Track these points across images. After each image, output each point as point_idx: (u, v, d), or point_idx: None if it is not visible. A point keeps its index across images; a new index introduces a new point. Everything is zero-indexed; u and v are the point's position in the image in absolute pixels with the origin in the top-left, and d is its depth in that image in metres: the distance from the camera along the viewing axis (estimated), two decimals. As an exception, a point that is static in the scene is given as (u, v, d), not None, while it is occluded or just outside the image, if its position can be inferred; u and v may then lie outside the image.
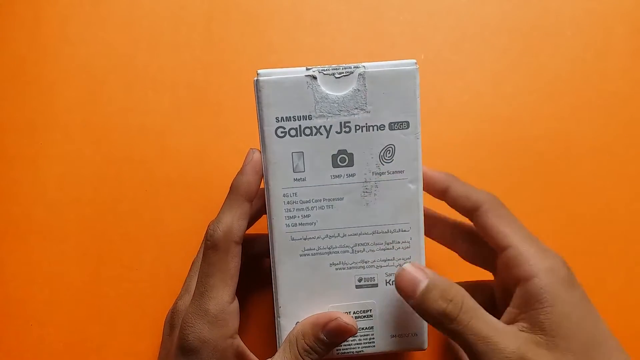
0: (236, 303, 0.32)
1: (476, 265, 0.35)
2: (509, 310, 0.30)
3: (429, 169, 0.33)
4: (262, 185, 0.32)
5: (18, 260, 0.41)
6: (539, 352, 0.27)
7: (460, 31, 0.44)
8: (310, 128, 0.30)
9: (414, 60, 0.30)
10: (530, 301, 0.28)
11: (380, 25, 0.44)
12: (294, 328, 0.32)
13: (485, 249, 0.33)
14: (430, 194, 0.34)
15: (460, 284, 0.30)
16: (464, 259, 0.36)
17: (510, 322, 0.29)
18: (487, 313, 0.29)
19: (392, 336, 0.33)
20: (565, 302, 0.28)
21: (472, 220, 0.33)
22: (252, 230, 0.36)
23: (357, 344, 0.33)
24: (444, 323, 0.28)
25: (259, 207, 0.34)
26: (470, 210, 0.32)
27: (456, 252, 0.36)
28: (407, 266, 0.29)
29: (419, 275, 0.29)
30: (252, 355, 0.33)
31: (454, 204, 0.33)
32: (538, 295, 0.28)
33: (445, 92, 0.43)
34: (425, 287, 0.28)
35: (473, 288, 0.31)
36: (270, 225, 0.31)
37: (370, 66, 0.30)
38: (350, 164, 0.31)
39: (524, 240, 0.30)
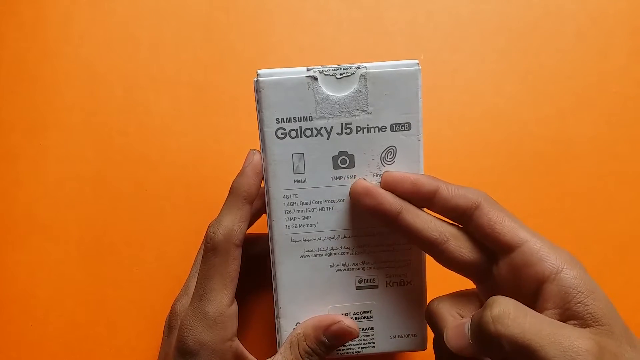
0: (235, 306, 0.32)
1: (457, 271, 0.31)
2: (547, 313, 0.26)
3: (407, 174, 0.30)
4: (262, 185, 0.32)
5: (18, 259, 0.41)
6: (607, 343, 0.24)
7: (460, 31, 0.44)
8: (311, 129, 0.30)
9: (416, 61, 0.30)
10: (569, 294, 0.25)
11: (380, 25, 0.44)
12: (295, 329, 0.32)
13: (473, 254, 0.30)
14: (414, 200, 0.30)
15: (445, 297, 0.30)
16: (444, 265, 0.31)
17: None
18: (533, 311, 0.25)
19: (392, 337, 0.33)
20: (597, 287, 0.26)
21: (466, 222, 0.29)
22: (253, 230, 0.36)
23: (357, 344, 0.33)
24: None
25: (259, 206, 0.34)
26: (466, 211, 0.29)
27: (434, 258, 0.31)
28: (449, 327, 0.28)
29: (458, 322, 0.27)
30: (251, 357, 0.33)
31: (446, 206, 0.29)
32: (577, 286, 0.25)
33: (445, 92, 0.43)
34: (473, 324, 0.26)
35: (462, 299, 0.30)
36: (270, 227, 0.31)
37: (372, 66, 0.30)
38: (351, 165, 0.31)
39: (533, 235, 0.27)
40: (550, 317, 0.26)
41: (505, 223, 0.28)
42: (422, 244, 0.29)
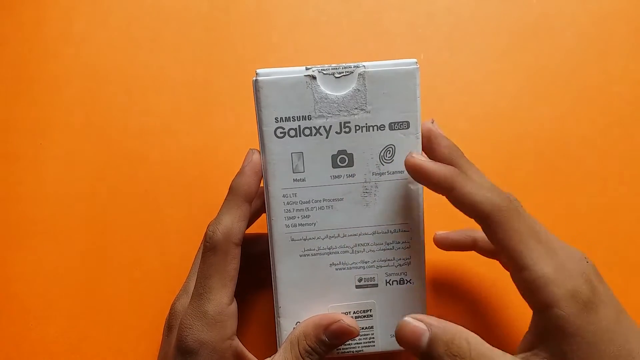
0: (235, 305, 0.32)
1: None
2: (527, 338, 0.28)
3: (429, 162, 0.29)
4: (261, 184, 0.32)
5: (18, 259, 0.41)
6: None
7: (460, 31, 0.44)
8: (310, 128, 0.30)
9: (415, 60, 0.30)
10: (550, 331, 0.26)
11: (380, 25, 0.44)
12: (295, 328, 0.32)
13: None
14: (431, 189, 0.30)
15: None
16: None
17: (528, 350, 0.27)
18: (500, 353, 0.26)
19: (392, 336, 0.33)
20: (587, 331, 0.25)
21: (483, 229, 0.29)
22: (252, 229, 0.36)
23: (357, 343, 0.33)
24: None
25: (259, 206, 0.34)
26: (477, 220, 0.28)
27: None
28: (407, 319, 0.28)
29: (420, 327, 0.27)
30: (250, 356, 0.33)
31: (459, 207, 0.29)
32: (559, 327, 0.26)
33: (445, 92, 0.43)
34: (428, 341, 0.27)
35: None
36: (270, 226, 0.31)
37: (371, 66, 0.30)
38: (350, 164, 0.31)
39: (540, 258, 0.27)
40: (524, 344, 0.27)
41: (510, 244, 0.27)
42: (472, 213, 0.29)
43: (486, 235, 0.28)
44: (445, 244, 0.37)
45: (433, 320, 0.27)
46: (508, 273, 0.36)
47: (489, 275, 0.39)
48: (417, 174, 0.29)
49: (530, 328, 0.27)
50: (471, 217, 0.28)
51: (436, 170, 0.29)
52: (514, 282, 0.28)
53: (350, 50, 0.44)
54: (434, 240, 0.37)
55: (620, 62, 0.44)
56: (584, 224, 0.42)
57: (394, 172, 0.31)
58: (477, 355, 0.26)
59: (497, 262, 0.37)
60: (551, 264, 0.27)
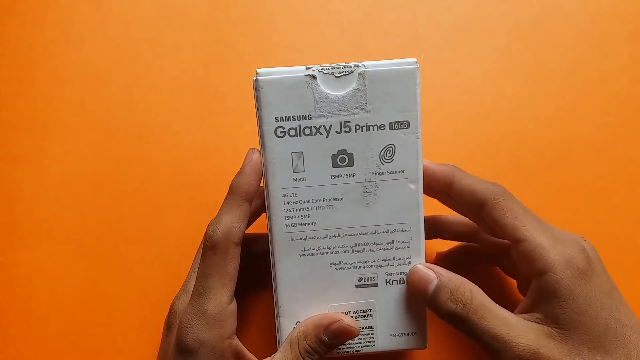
0: (234, 304, 0.32)
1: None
2: (525, 302, 0.30)
3: (430, 163, 0.32)
4: (261, 184, 0.32)
5: (18, 259, 0.41)
6: (551, 345, 0.27)
7: (460, 31, 0.44)
8: (310, 128, 0.30)
9: (415, 60, 0.30)
10: (545, 295, 0.28)
11: (380, 25, 0.44)
12: (295, 328, 0.32)
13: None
14: (430, 192, 0.33)
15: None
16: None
17: (524, 312, 0.29)
18: (499, 307, 0.29)
19: (392, 335, 0.33)
20: (579, 295, 0.27)
21: (478, 217, 0.32)
22: (252, 229, 0.36)
23: (357, 343, 0.33)
24: (456, 322, 0.29)
25: (259, 205, 0.34)
26: (476, 206, 0.31)
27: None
28: (418, 266, 0.31)
29: (429, 275, 0.30)
30: (250, 355, 0.33)
31: (459, 200, 0.32)
32: (553, 290, 0.28)
33: (445, 92, 0.43)
34: (435, 287, 0.29)
35: None
36: (270, 226, 0.31)
37: (371, 65, 0.30)
38: (350, 163, 0.31)
39: (536, 231, 0.29)
40: (522, 306, 0.30)
41: (510, 220, 0.30)
42: (468, 208, 0.33)
43: (485, 222, 0.31)
44: (448, 260, 0.39)
45: (442, 270, 0.30)
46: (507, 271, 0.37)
47: (489, 275, 0.39)
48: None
49: (528, 294, 0.29)
50: (469, 207, 0.32)
51: (437, 168, 0.32)
52: (514, 258, 0.30)
53: (350, 50, 0.44)
54: (436, 259, 0.40)
55: (620, 62, 0.44)
56: (584, 224, 0.42)
57: (394, 172, 0.31)
58: (477, 304, 0.28)
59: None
60: (547, 235, 0.29)
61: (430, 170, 0.32)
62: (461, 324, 0.29)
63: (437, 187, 0.33)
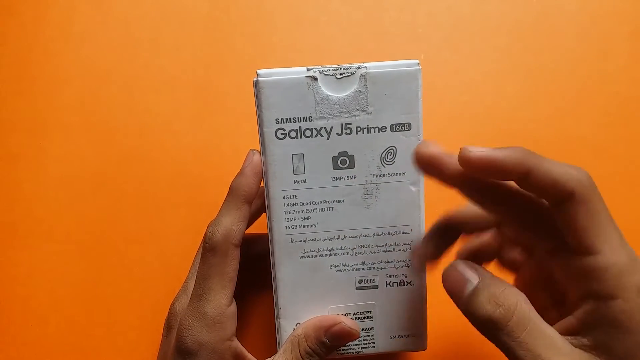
0: (234, 306, 0.32)
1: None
2: (569, 321, 0.25)
3: (493, 151, 0.25)
4: (261, 184, 0.32)
5: (18, 259, 0.41)
6: None
7: (460, 31, 0.44)
8: (311, 130, 0.30)
9: (417, 61, 0.30)
10: (604, 322, 0.23)
11: (380, 25, 0.44)
12: (295, 330, 0.32)
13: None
14: (497, 181, 0.26)
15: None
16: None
17: (567, 334, 0.25)
18: (546, 324, 0.24)
19: (392, 337, 0.33)
20: None
21: (555, 208, 0.25)
22: (253, 229, 0.36)
23: (357, 344, 0.33)
24: (493, 331, 0.24)
25: (259, 206, 0.34)
26: (559, 199, 0.24)
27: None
28: (458, 263, 0.27)
29: (469, 274, 0.26)
30: (250, 357, 0.33)
31: (537, 190, 0.25)
32: (617, 320, 0.23)
33: (445, 92, 0.43)
34: (474, 287, 0.25)
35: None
36: (270, 227, 0.31)
37: (372, 66, 0.30)
38: (351, 166, 0.31)
39: (617, 247, 0.24)
40: (566, 325, 0.25)
41: (589, 225, 0.24)
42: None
43: (562, 215, 0.24)
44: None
45: (484, 271, 0.26)
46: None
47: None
48: (487, 167, 0.25)
49: (576, 314, 0.24)
50: (549, 198, 0.25)
51: (506, 155, 0.24)
52: (568, 262, 0.25)
53: (351, 50, 0.44)
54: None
55: (620, 62, 0.44)
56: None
57: (395, 174, 0.31)
58: (521, 314, 0.24)
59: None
60: (625, 254, 0.24)
61: (497, 159, 0.24)
62: (499, 335, 0.24)
63: (509, 176, 0.25)
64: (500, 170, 0.24)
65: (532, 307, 0.24)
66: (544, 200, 0.25)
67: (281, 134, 0.30)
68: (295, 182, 0.31)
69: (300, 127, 0.30)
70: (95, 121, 0.43)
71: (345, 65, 0.30)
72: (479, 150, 0.25)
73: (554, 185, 0.24)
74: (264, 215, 0.34)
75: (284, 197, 0.31)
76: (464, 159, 0.25)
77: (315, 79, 0.30)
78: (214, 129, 0.43)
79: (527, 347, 0.23)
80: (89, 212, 0.42)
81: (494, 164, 0.24)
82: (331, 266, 0.32)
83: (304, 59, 0.44)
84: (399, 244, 0.32)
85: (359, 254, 0.32)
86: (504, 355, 0.24)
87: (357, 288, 0.32)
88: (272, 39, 0.44)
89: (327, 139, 0.30)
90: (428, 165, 0.27)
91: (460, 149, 0.25)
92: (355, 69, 0.30)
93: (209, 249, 0.31)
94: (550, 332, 0.24)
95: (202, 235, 0.33)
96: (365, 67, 0.30)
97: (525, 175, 0.24)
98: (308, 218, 0.31)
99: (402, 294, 0.32)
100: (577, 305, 0.25)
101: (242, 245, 0.32)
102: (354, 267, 0.32)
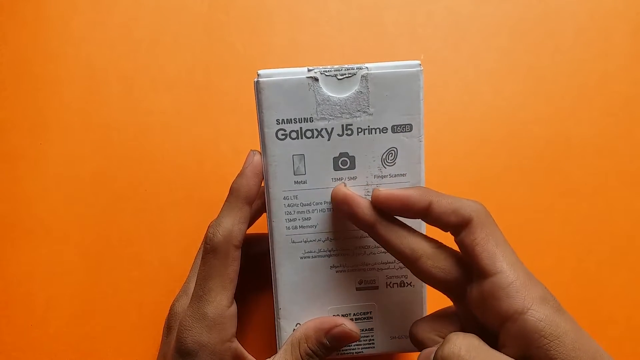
0: (234, 307, 0.32)
1: (432, 286, 0.29)
2: (505, 352, 0.25)
3: (397, 190, 0.29)
4: (262, 185, 0.32)
5: (18, 260, 0.41)
6: None
7: (460, 31, 0.44)
8: (312, 130, 0.30)
9: (418, 62, 0.30)
10: (531, 336, 0.24)
11: (380, 25, 0.44)
12: (295, 330, 0.32)
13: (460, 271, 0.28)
14: (408, 216, 0.29)
15: (424, 319, 0.29)
16: (419, 278, 0.30)
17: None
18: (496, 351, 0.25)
19: (392, 337, 0.33)
20: (567, 331, 0.24)
21: (457, 238, 0.28)
22: (253, 229, 0.36)
23: (357, 344, 0.33)
24: None
25: (259, 206, 0.34)
26: (457, 227, 0.27)
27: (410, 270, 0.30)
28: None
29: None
30: (250, 357, 0.33)
31: (439, 221, 0.28)
32: (541, 330, 0.24)
33: (445, 92, 0.43)
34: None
35: (442, 319, 0.30)
36: (270, 228, 0.31)
37: (374, 67, 0.30)
38: (352, 167, 0.31)
39: (513, 266, 0.26)
40: (510, 353, 0.25)
41: (487, 247, 0.26)
42: (396, 256, 0.29)
43: (462, 242, 0.27)
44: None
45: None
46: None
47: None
48: (394, 202, 0.28)
49: (506, 339, 0.25)
50: (451, 225, 0.28)
51: (411, 192, 0.28)
52: (477, 290, 0.27)
53: (351, 50, 0.44)
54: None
55: (620, 62, 0.44)
56: (584, 224, 0.42)
57: (395, 175, 0.31)
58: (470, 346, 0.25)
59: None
60: (522, 270, 0.26)
61: (403, 196, 0.28)
62: None
63: (411, 213, 0.28)
64: (405, 204, 0.28)
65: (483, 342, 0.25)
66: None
67: (282, 134, 0.30)
68: (295, 182, 0.31)
69: (301, 128, 0.30)
70: (95, 121, 0.43)
71: (346, 65, 0.30)
72: (387, 190, 0.29)
73: (454, 213, 0.27)
74: (264, 216, 0.34)
75: (284, 198, 0.31)
76: (375, 197, 0.29)
77: (316, 79, 0.30)
78: (214, 129, 0.43)
79: None
80: (88, 212, 0.42)
81: (400, 199, 0.28)
82: (331, 267, 0.32)
83: (304, 59, 0.44)
84: None
85: (359, 254, 0.32)
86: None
87: (357, 289, 0.32)
88: (272, 39, 0.44)
89: (328, 139, 0.30)
90: (343, 204, 0.30)
91: (373, 190, 0.29)
92: (357, 70, 0.30)
93: (209, 250, 0.31)
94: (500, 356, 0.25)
95: (203, 236, 0.33)
96: (367, 67, 0.30)
97: (428, 207, 0.28)
98: (309, 219, 0.31)
99: (402, 295, 0.32)
100: (500, 332, 0.26)
101: (242, 246, 0.32)
102: (354, 267, 0.32)
